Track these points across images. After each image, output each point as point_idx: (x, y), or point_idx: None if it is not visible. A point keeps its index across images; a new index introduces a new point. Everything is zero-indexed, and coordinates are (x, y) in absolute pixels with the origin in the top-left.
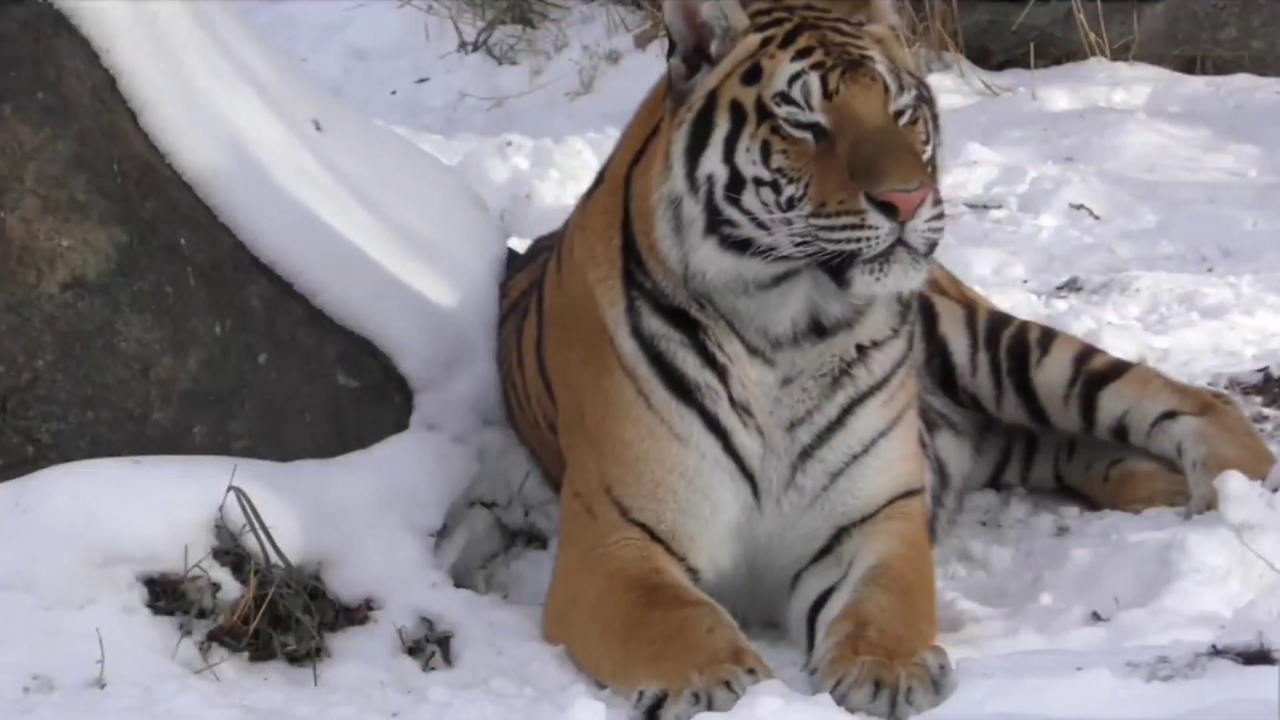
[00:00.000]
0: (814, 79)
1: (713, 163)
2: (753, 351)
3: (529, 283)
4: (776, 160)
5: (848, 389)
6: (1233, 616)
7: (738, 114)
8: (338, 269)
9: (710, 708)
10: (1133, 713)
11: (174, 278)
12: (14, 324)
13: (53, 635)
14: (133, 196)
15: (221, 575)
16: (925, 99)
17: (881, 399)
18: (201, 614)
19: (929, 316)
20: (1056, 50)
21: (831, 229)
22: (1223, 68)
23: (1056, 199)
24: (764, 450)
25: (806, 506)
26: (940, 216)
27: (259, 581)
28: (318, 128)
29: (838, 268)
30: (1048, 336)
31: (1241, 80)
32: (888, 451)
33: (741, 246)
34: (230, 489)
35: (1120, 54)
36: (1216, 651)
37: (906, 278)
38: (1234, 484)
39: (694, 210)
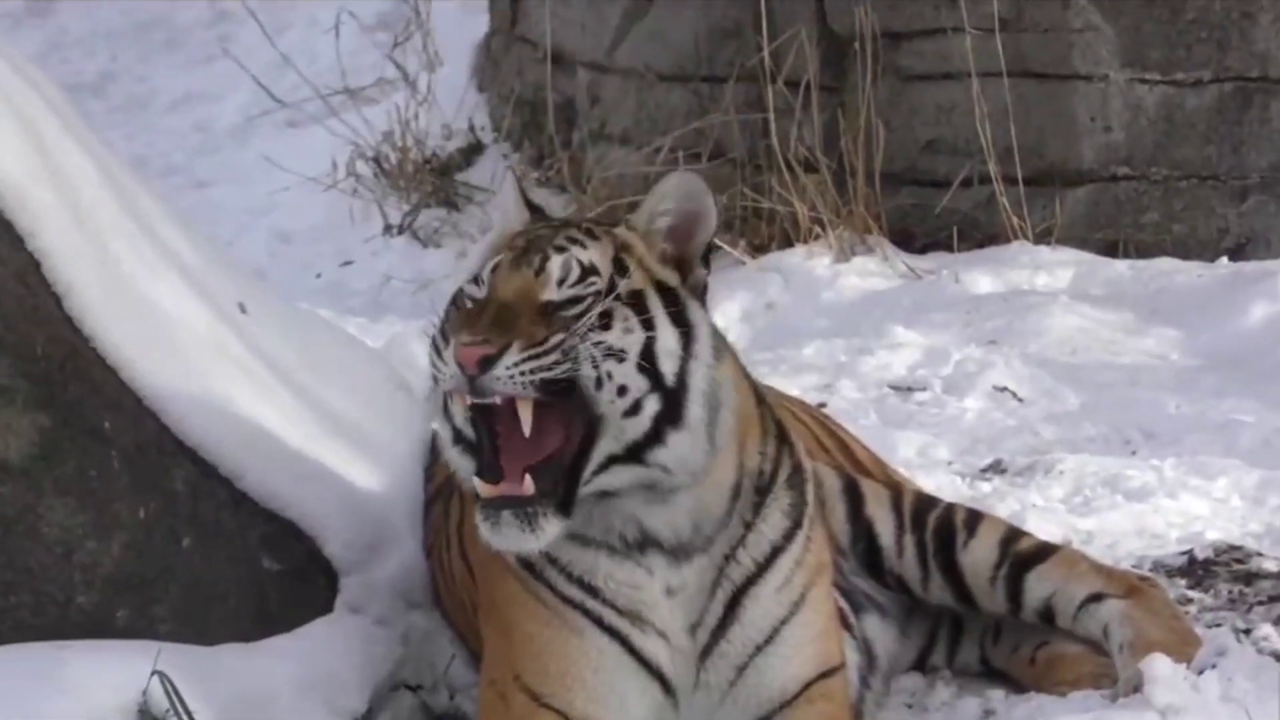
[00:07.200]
0: (491, 262)
1: None
2: (623, 558)
3: None
4: None
5: (724, 586)
6: None
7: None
8: (262, 452)
9: None
10: None
11: (98, 461)
12: None
13: None
14: (56, 381)
15: None
16: (636, 303)
17: (773, 585)
18: None
19: (855, 498)
20: (979, 234)
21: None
22: (1145, 251)
23: (980, 381)
24: (670, 651)
25: (718, 703)
26: (549, 351)
27: None
28: (243, 310)
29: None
30: (974, 518)
31: (1164, 264)
32: (793, 637)
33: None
34: (154, 674)
35: (1043, 238)
36: None
37: (515, 538)
38: (1160, 666)
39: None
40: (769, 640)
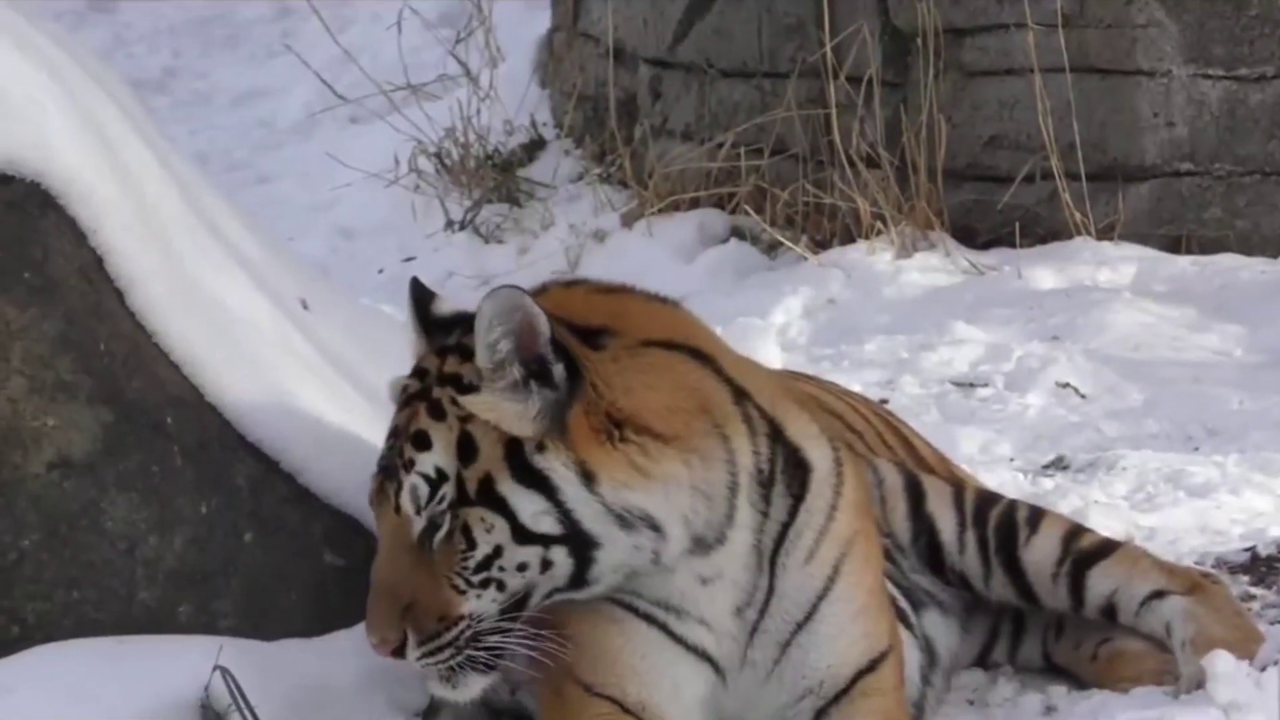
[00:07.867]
0: (369, 487)
1: None
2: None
3: None
4: None
5: (763, 567)
6: None
7: None
8: (323, 446)
9: None
10: None
11: (160, 457)
12: (0, 504)
13: None
14: (119, 376)
15: None
16: (486, 494)
17: (798, 558)
18: None
19: (916, 494)
20: (1042, 229)
21: None
22: (1208, 247)
23: (1043, 377)
24: (714, 635)
25: (763, 681)
26: (444, 647)
27: None
28: (305, 306)
29: None
30: (1036, 515)
31: (1227, 260)
32: (834, 615)
33: None
34: (216, 668)
35: (1105, 233)
36: None
37: (439, 689)
38: (1222, 663)
39: None
40: (809, 617)
